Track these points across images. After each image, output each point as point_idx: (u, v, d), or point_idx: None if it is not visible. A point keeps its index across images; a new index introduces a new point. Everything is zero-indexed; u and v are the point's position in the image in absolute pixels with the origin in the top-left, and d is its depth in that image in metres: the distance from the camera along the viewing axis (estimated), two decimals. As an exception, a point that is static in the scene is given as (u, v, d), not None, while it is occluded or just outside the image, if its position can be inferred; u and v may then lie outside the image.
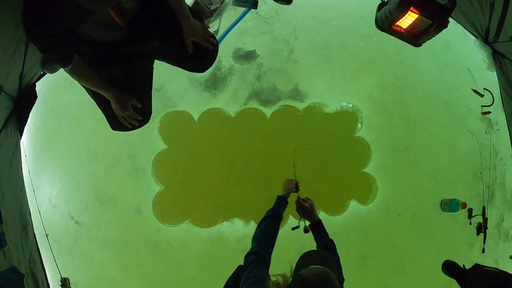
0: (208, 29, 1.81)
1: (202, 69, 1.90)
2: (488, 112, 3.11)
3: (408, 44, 2.24)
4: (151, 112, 2.04)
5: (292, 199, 1.92)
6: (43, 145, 2.74)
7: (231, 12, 2.73)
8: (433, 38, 2.15)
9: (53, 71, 2.42)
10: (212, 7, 2.60)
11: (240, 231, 2.94)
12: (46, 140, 2.75)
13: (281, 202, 1.82)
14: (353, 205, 3.10)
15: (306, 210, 1.86)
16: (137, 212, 2.87)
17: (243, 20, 2.81)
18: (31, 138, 2.68)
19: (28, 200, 2.51)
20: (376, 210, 3.11)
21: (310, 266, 1.15)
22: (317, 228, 1.80)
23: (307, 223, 1.85)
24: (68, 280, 2.62)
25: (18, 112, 2.32)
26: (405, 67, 3.08)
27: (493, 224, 3.17)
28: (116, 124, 1.89)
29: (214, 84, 2.88)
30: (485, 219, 3.04)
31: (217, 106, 2.93)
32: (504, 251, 3.19)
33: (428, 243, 3.14)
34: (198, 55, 1.75)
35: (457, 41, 3.04)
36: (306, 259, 1.25)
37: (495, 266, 3.10)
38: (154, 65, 1.91)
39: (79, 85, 1.74)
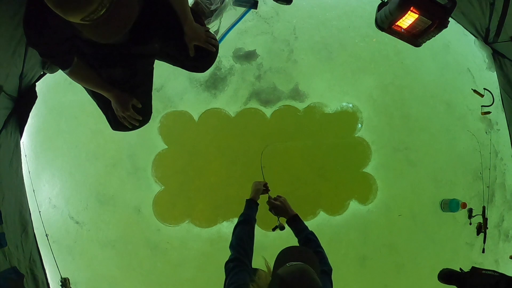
0: (209, 30, 1.81)
1: (202, 69, 1.90)
2: (488, 112, 3.11)
3: (408, 44, 2.24)
4: (151, 112, 2.04)
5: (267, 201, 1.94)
6: (43, 145, 2.74)
7: (231, 12, 2.73)
8: (433, 38, 2.15)
9: (53, 71, 2.41)
10: (212, 7, 2.59)
11: (240, 231, 2.94)
12: (46, 140, 2.75)
13: (251, 205, 1.83)
14: (353, 205, 3.10)
15: (278, 208, 1.87)
16: (137, 212, 2.87)
17: (243, 20, 2.81)
18: (31, 138, 2.68)
19: (28, 200, 2.50)
20: (376, 210, 3.11)
21: (287, 264, 1.14)
22: (294, 223, 1.79)
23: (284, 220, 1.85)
24: (68, 280, 2.62)
25: (18, 112, 2.32)
26: (405, 67, 3.08)
27: (493, 224, 3.17)
28: (117, 124, 1.89)
29: (214, 84, 2.88)
30: (485, 219, 3.04)
31: (217, 106, 2.93)
32: (504, 251, 3.20)
33: (428, 243, 3.14)
34: (199, 55, 1.75)
35: (457, 41, 3.04)
36: (283, 256, 1.24)
37: (495, 266, 3.12)
38: (154, 65, 1.91)
39: (79, 85, 1.74)
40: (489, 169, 3.14)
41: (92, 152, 2.82)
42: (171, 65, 1.92)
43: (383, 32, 2.21)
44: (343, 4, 2.97)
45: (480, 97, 3.10)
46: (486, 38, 2.74)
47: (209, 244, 2.91)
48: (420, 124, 3.15)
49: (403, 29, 2.11)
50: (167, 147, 2.92)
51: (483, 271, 2.30)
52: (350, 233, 3.07)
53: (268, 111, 2.99)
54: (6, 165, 2.26)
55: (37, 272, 2.39)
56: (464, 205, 3.08)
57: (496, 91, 3.04)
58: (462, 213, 3.15)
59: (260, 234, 1.95)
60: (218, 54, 1.87)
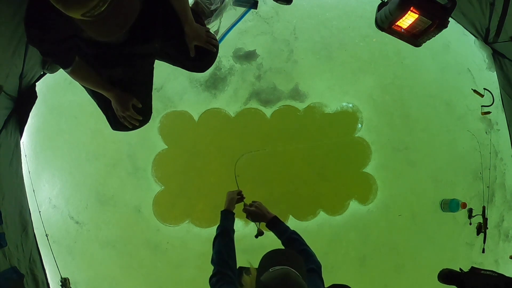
0: (209, 30, 1.81)
1: (202, 69, 1.90)
2: (488, 112, 3.11)
3: (408, 44, 2.24)
4: (151, 112, 2.04)
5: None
6: (43, 145, 2.73)
7: (231, 12, 2.73)
8: (433, 38, 2.15)
9: (53, 71, 2.41)
10: (212, 7, 2.59)
11: (240, 231, 2.93)
12: (46, 140, 2.75)
13: (226, 215, 1.79)
14: (353, 205, 3.10)
15: (254, 214, 1.83)
16: (137, 212, 2.87)
17: (243, 20, 2.81)
18: (31, 138, 2.68)
19: (28, 200, 2.50)
20: (376, 210, 3.11)
21: (270, 269, 1.14)
22: (274, 225, 1.76)
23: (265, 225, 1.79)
24: (68, 280, 2.62)
25: (18, 112, 2.32)
26: (405, 67, 3.08)
27: (493, 224, 3.17)
28: (117, 124, 1.89)
29: (214, 84, 2.88)
30: (485, 219, 3.04)
31: (217, 106, 2.93)
32: (504, 251, 3.20)
33: (428, 243, 3.14)
34: (199, 55, 1.76)
35: (457, 41, 3.04)
36: (266, 261, 1.22)
37: (495, 266, 3.12)
38: (154, 65, 1.91)
39: (79, 85, 1.74)
40: (489, 169, 3.14)
41: (92, 152, 2.82)
42: (171, 65, 1.92)
43: (383, 32, 2.22)
44: (343, 4, 2.97)
45: (480, 97, 3.10)
46: (486, 38, 2.74)
47: (209, 244, 2.85)
48: (420, 124, 3.15)
49: (403, 29, 2.12)
50: (167, 147, 2.92)
51: (482, 271, 2.31)
52: (350, 233, 3.07)
53: (268, 111, 2.99)
54: (6, 165, 2.26)
55: (37, 272, 2.39)
56: (464, 205, 3.08)
57: (496, 91, 3.04)
58: (462, 213, 3.15)
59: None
60: (218, 54, 1.87)
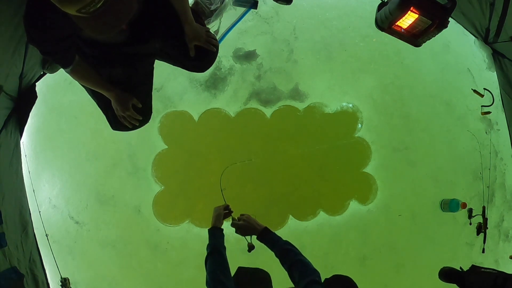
0: (209, 30, 1.81)
1: (202, 69, 1.90)
2: (488, 112, 3.12)
3: (408, 44, 2.24)
4: (151, 112, 2.04)
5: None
6: (43, 145, 2.74)
7: (231, 12, 2.73)
8: (433, 38, 2.15)
9: (53, 71, 2.41)
10: (212, 7, 2.59)
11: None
12: (46, 140, 2.75)
13: (214, 233, 1.72)
14: (353, 205, 3.10)
15: (243, 228, 1.76)
16: (137, 212, 2.87)
17: (243, 20, 2.81)
18: (31, 138, 2.68)
19: (28, 200, 2.50)
20: (376, 210, 3.11)
21: None
22: (265, 237, 1.68)
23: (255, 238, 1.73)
24: (68, 280, 2.62)
25: (18, 112, 2.32)
26: (405, 67, 3.08)
27: (493, 224, 3.17)
28: (117, 124, 1.89)
29: (214, 84, 2.88)
30: (485, 219, 3.04)
31: (217, 106, 2.93)
32: (504, 251, 3.20)
33: (428, 243, 3.14)
34: (199, 55, 1.76)
35: (457, 41, 3.04)
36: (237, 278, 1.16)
37: (495, 266, 3.12)
38: (154, 65, 1.91)
39: (79, 85, 1.74)
40: (489, 169, 3.14)
41: (92, 152, 2.82)
42: (171, 65, 1.92)
43: (383, 32, 2.22)
44: (343, 4, 2.97)
45: (480, 97, 3.10)
46: (486, 38, 2.75)
47: (209, 244, 2.91)
48: (420, 124, 3.15)
49: (403, 29, 2.12)
50: (167, 147, 2.92)
51: (482, 269, 2.32)
52: (350, 233, 3.07)
53: (268, 111, 2.99)
54: (6, 165, 2.26)
55: (37, 272, 2.39)
56: (464, 205, 3.08)
57: (496, 91, 3.04)
58: (462, 213, 3.15)
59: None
60: (218, 54, 1.87)
